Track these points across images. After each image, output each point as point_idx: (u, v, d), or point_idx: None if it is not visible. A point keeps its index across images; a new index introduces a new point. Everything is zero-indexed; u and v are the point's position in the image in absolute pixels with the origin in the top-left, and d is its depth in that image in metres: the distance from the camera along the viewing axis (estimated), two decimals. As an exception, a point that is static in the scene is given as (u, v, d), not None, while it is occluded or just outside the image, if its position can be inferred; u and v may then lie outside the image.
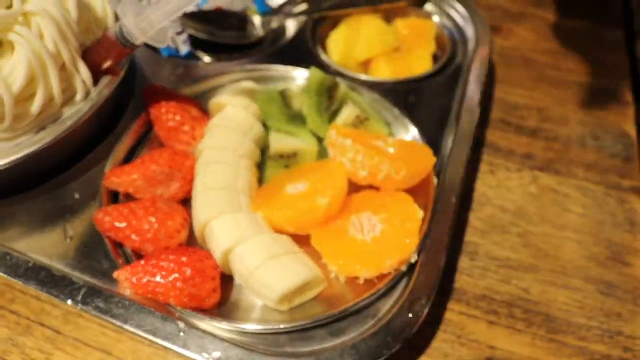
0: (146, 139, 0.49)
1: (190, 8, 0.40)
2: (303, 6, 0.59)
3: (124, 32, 0.42)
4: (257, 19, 0.58)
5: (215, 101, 0.49)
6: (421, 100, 0.52)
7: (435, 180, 0.44)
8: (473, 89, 0.53)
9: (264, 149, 0.47)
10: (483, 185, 0.51)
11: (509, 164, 0.53)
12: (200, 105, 0.50)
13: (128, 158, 0.48)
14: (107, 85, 0.45)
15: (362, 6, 0.58)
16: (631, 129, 0.57)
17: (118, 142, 0.47)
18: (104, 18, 0.50)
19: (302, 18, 0.59)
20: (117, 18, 0.48)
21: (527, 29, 0.66)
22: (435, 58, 0.57)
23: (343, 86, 0.49)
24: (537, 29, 0.66)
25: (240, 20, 0.57)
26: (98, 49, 0.45)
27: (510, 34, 0.65)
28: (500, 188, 0.51)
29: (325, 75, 0.49)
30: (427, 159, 0.43)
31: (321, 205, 0.40)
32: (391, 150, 0.43)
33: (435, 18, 0.62)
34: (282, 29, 0.59)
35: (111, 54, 0.44)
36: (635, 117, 0.58)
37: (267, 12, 0.58)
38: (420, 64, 0.55)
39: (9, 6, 0.42)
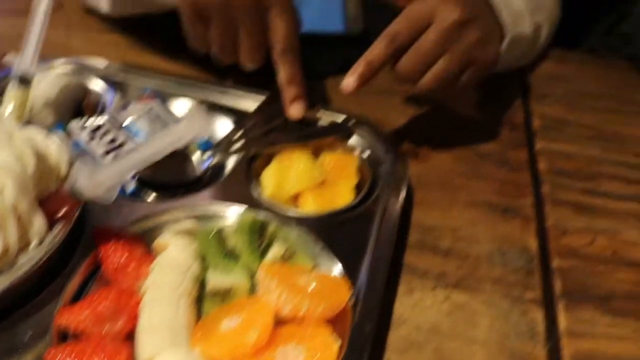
0: (95, 277, 0.54)
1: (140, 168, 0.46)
2: (240, 144, 0.66)
3: (76, 189, 0.48)
4: (196, 157, 0.64)
5: (158, 241, 0.54)
6: (343, 231, 0.59)
7: (352, 309, 0.50)
8: (391, 217, 0.60)
9: (203, 283, 0.53)
10: (401, 306, 0.57)
11: (425, 283, 0.59)
12: (145, 245, 0.55)
13: (77, 296, 0.52)
14: (60, 231, 0.51)
15: (293, 142, 0.65)
16: (532, 244, 0.64)
17: (68, 282, 0.52)
18: (57, 166, 0.56)
19: (239, 155, 0.66)
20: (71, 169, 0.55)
21: (442, 152, 0.75)
22: (359, 188, 0.64)
23: (272, 225, 0.56)
24: (452, 153, 0.75)
25: (181, 158, 0.64)
26: (53, 200, 0.51)
27: (428, 158, 0.74)
28: (416, 307, 0.57)
29: (256, 216, 0.55)
30: (343, 292, 0.50)
31: (251, 340, 0.46)
32: (312, 286, 0.49)
33: (359, 146, 0.70)
34: (219, 166, 0.66)
35: (64, 206, 0.50)
36: (536, 232, 0.66)
37: (207, 149, 0.65)
38: (343, 196, 0.62)
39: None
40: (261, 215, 0.57)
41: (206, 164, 0.65)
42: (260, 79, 0.71)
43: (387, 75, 0.81)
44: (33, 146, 0.53)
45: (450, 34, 0.63)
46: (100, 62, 0.79)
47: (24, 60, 0.62)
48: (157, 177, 0.62)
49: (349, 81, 0.62)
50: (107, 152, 0.65)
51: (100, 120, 0.68)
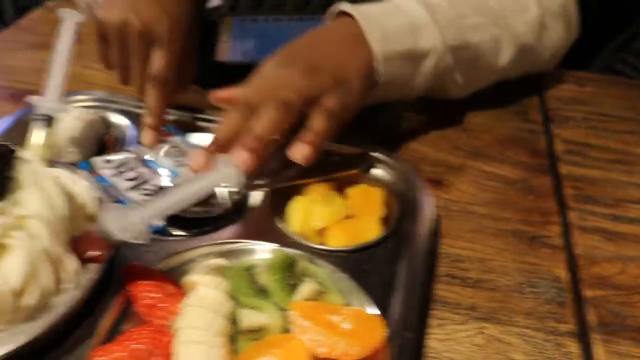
0: (127, 314, 0.54)
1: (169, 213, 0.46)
2: (264, 179, 0.66)
3: (107, 232, 0.48)
4: (220, 192, 0.64)
5: (188, 280, 0.54)
6: (373, 266, 0.58)
7: (387, 346, 0.50)
8: (419, 250, 0.60)
9: (234, 320, 0.52)
10: (432, 339, 0.56)
11: (455, 317, 0.59)
12: (175, 282, 0.55)
13: (110, 335, 0.52)
14: (93, 272, 0.51)
15: (317, 177, 0.65)
16: (563, 274, 0.64)
17: (101, 321, 0.52)
18: (85, 205, 0.56)
19: (264, 189, 0.66)
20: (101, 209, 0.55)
21: (466, 181, 0.74)
22: (386, 221, 0.64)
23: (303, 262, 0.56)
24: (475, 181, 0.74)
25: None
26: (85, 242, 0.51)
27: (450, 188, 0.73)
28: (449, 341, 0.56)
29: (286, 254, 0.55)
30: (378, 331, 0.49)
31: (286, 381, 0.45)
32: (346, 325, 0.49)
33: (382, 177, 0.69)
34: (245, 201, 0.66)
35: (96, 247, 0.50)
36: (566, 262, 0.65)
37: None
38: (370, 229, 0.62)
39: (3, 212, 0.48)
40: (291, 253, 0.57)
41: (230, 199, 0.65)
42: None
43: (402, 103, 0.82)
44: (61, 187, 0.53)
45: (272, 89, 0.61)
46: (119, 96, 0.80)
47: (47, 98, 0.62)
48: (182, 213, 0.62)
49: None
50: (132, 188, 0.65)
51: (122, 155, 0.69)
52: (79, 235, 0.52)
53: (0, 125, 0.75)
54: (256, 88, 0.62)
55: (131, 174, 0.67)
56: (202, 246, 0.59)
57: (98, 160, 0.69)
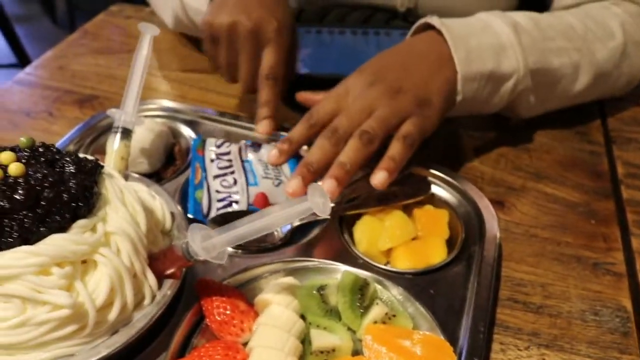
0: (199, 329, 0.55)
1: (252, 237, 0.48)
2: (335, 206, 0.66)
3: (190, 250, 0.49)
4: None
5: (260, 298, 0.56)
6: (439, 290, 0.59)
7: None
8: (485, 274, 0.60)
9: (304, 340, 0.54)
10: (496, 365, 0.57)
11: (517, 342, 0.59)
12: (246, 299, 0.56)
13: (183, 350, 0.54)
14: (170, 287, 0.53)
15: (384, 204, 0.66)
16: (627, 303, 0.63)
17: (175, 335, 0.53)
18: (162, 220, 0.58)
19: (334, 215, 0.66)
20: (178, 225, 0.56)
21: (528, 203, 0.74)
22: (450, 242, 0.65)
23: (373, 285, 0.57)
24: (537, 204, 0.74)
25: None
26: (163, 259, 0.52)
27: (512, 209, 0.73)
28: (511, 367, 0.57)
29: (357, 276, 0.56)
30: (449, 357, 0.50)
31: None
32: (418, 350, 0.50)
33: (447, 199, 0.70)
34: (310, 222, 0.67)
35: (175, 265, 0.52)
36: (630, 290, 0.65)
37: None
38: (436, 252, 0.62)
39: (93, 228, 0.50)
40: (362, 275, 0.57)
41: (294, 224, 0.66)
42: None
43: (465, 121, 0.82)
44: (142, 202, 0.55)
45: (358, 114, 0.65)
46: (185, 106, 0.82)
47: (125, 111, 0.64)
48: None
49: (273, 154, 0.67)
50: (216, 177, 0.67)
51: (233, 146, 0.72)
52: (156, 250, 0.54)
53: (71, 132, 0.77)
54: (343, 105, 0.67)
55: (224, 164, 0.69)
56: (271, 263, 0.60)
57: (211, 141, 0.72)
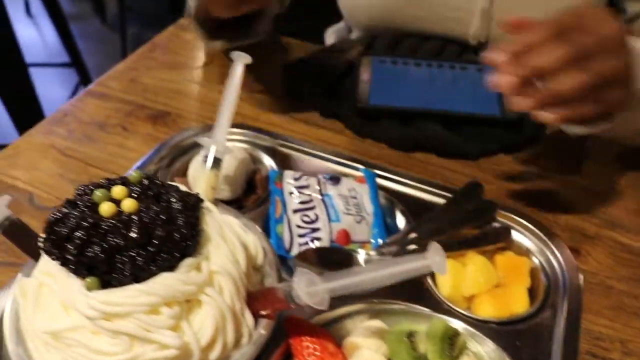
0: (286, 367, 0.56)
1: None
2: (411, 244, 0.66)
3: (293, 294, 0.49)
4: (363, 256, 0.65)
5: (350, 341, 0.56)
6: (525, 342, 0.59)
7: None
8: (570, 329, 0.60)
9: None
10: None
11: (598, 398, 0.59)
12: (335, 340, 0.57)
13: (272, 387, 0.54)
14: (265, 327, 0.53)
15: (464, 249, 0.66)
16: None
17: (263, 374, 0.54)
18: (256, 255, 0.58)
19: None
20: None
21: (603, 252, 0.74)
22: (530, 290, 0.64)
23: (463, 336, 0.57)
24: (613, 254, 0.74)
25: (347, 258, 0.65)
26: (263, 300, 0.52)
27: (588, 258, 0.73)
28: None
29: (448, 325, 0.56)
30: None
31: None
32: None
33: (526, 245, 0.70)
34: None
35: (274, 306, 0.52)
36: None
37: (379, 247, 0.66)
38: (518, 300, 0.62)
39: (198, 267, 0.50)
40: (448, 322, 0.58)
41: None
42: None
43: (536, 162, 0.81)
44: (239, 238, 0.55)
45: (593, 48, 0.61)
46: (265, 133, 0.82)
47: (217, 140, 0.64)
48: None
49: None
50: (296, 211, 0.68)
51: (310, 180, 0.72)
52: (254, 290, 0.54)
53: (150, 152, 0.78)
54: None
55: (305, 198, 0.70)
56: (356, 303, 0.60)
57: (289, 173, 0.72)
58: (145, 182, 0.53)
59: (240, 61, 0.67)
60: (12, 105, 1.94)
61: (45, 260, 0.52)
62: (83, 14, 3.06)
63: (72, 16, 2.85)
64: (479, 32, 0.93)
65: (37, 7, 2.95)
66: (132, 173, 0.52)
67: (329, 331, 0.58)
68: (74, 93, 2.46)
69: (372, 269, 0.48)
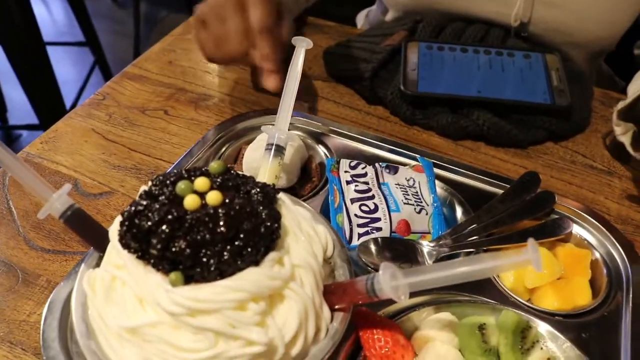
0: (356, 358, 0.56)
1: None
2: (470, 237, 0.66)
3: (375, 288, 0.49)
4: (425, 248, 0.65)
5: (421, 334, 0.56)
6: (592, 335, 0.59)
7: None
8: (635, 321, 0.60)
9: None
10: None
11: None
12: (403, 332, 0.56)
13: (343, 380, 0.54)
14: (341, 321, 0.52)
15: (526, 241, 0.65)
16: None
17: (334, 364, 0.54)
18: (325, 247, 0.57)
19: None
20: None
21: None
22: (591, 283, 0.64)
23: (535, 328, 0.57)
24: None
25: (409, 249, 0.65)
26: (341, 293, 0.52)
27: (640, 251, 0.73)
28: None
29: (520, 317, 0.56)
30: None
31: None
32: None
33: (587, 237, 0.69)
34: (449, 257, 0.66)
35: (354, 299, 0.52)
36: None
37: (438, 239, 0.66)
38: (580, 292, 0.62)
39: (280, 261, 0.50)
40: (524, 317, 0.58)
41: (433, 254, 0.66)
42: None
43: (590, 150, 0.80)
44: (313, 229, 0.55)
45: None
46: (315, 119, 0.81)
47: (280, 128, 0.63)
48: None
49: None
50: (354, 200, 0.67)
51: (367, 169, 0.71)
52: (331, 283, 0.54)
53: (201, 138, 0.77)
54: None
55: (362, 187, 0.69)
56: (422, 295, 0.60)
57: (345, 162, 0.72)
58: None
59: (302, 46, 0.66)
60: (30, 84, 1.91)
61: (114, 252, 0.51)
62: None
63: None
64: (521, 11, 0.91)
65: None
66: (212, 164, 0.51)
67: (397, 322, 0.58)
68: (90, 72, 2.43)
69: (469, 262, 0.47)
